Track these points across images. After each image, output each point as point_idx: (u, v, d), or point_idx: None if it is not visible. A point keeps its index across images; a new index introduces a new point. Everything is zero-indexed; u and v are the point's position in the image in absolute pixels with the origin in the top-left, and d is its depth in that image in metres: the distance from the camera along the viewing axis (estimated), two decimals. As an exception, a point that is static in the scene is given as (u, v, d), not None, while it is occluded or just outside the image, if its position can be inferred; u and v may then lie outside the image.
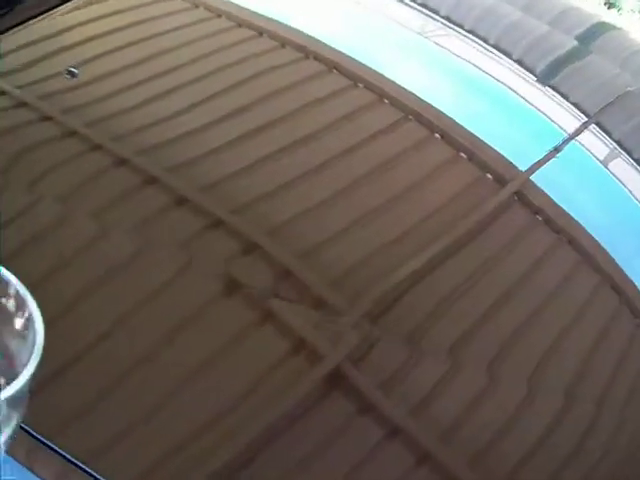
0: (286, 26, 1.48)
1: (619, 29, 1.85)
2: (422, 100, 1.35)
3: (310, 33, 1.48)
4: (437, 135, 1.29)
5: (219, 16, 1.47)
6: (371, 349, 0.94)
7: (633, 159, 1.41)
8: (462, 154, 1.27)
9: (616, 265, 1.17)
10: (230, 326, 0.92)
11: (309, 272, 1.01)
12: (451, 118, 1.32)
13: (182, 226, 1.03)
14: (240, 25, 1.46)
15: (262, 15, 1.48)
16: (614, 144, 1.42)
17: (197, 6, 1.47)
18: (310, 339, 0.93)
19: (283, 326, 0.93)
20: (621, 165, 1.42)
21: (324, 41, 1.44)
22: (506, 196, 1.21)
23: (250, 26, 1.45)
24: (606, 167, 1.41)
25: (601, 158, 1.42)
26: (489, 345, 0.99)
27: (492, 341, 1.00)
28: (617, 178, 1.39)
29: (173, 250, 0.98)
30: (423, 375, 0.94)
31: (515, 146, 1.35)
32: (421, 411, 0.90)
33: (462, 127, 1.31)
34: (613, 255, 1.19)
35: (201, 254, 1.00)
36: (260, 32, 1.43)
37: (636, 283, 1.17)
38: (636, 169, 1.40)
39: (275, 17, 1.49)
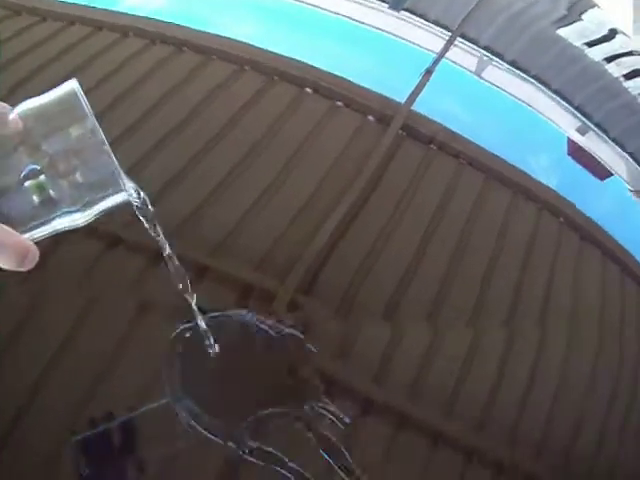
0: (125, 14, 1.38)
1: None
2: (283, 57, 1.29)
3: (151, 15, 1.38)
4: (309, 89, 1.23)
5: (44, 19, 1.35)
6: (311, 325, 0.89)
7: (506, 62, 1.38)
8: (338, 102, 1.21)
9: (523, 173, 1.15)
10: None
11: (228, 263, 0.94)
12: (317, 68, 1.26)
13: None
14: (73, 23, 1.34)
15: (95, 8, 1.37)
16: (483, 51, 1.39)
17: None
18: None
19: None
20: (495, 72, 1.39)
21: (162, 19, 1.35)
22: (394, 134, 1.16)
23: (83, 22, 1.34)
24: (481, 77, 1.39)
25: (473, 69, 1.39)
26: (427, 289, 0.95)
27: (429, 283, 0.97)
28: (494, 85, 1.36)
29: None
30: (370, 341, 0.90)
31: (387, 80, 1.29)
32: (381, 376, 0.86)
33: (331, 75, 1.24)
34: (516, 163, 1.17)
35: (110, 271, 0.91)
36: (99, 26, 1.33)
37: (548, 185, 1.17)
38: (511, 72, 1.38)
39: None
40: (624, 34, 1.63)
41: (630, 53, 1.57)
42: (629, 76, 1.48)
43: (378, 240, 0.99)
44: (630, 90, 1.46)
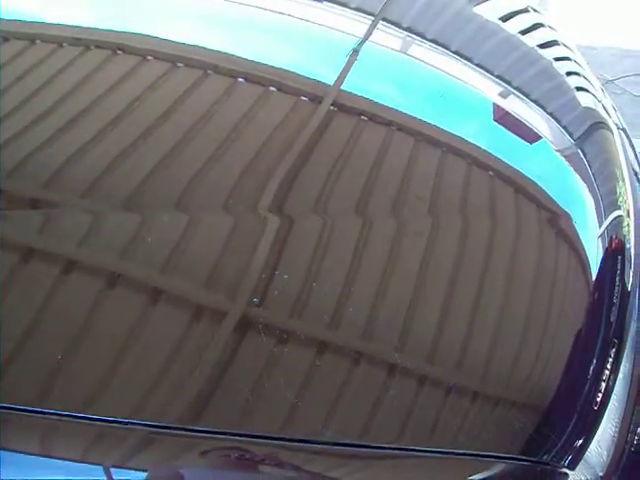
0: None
1: None
2: (214, 50, 1.34)
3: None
4: (240, 79, 1.28)
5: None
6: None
7: (428, 40, 1.45)
8: (272, 88, 1.26)
9: (450, 134, 1.22)
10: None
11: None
12: (247, 59, 1.31)
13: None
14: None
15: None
16: (406, 33, 1.46)
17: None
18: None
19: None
20: (419, 49, 1.46)
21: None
22: (325, 109, 1.22)
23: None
24: (407, 55, 1.45)
25: (399, 49, 1.45)
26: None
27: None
28: (421, 60, 1.43)
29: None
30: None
31: (317, 66, 1.35)
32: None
33: (261, 64, 1.30)
34: (442, 126, 1.24)
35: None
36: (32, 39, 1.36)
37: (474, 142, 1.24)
38: (433, 49, 1.45)
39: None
40: (534, 9, 1.72)
41: (541, 25, 1.66)
42: (543, 46, 1.57)
43: (321, 193, 1.06)
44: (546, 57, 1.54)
